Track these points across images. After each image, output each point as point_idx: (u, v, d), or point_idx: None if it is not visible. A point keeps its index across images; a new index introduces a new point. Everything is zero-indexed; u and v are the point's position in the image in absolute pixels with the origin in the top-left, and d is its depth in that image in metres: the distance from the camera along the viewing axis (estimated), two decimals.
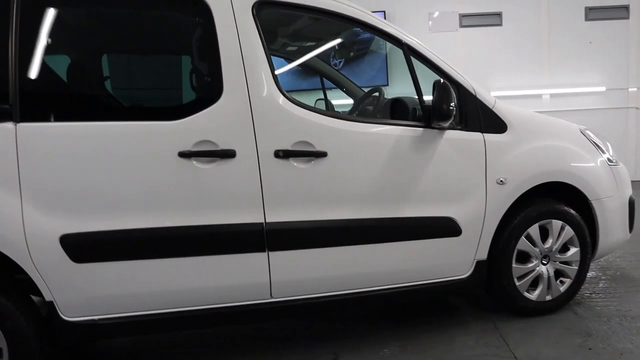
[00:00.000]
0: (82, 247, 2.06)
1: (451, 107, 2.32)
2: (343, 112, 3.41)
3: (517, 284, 2.71)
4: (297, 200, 2.27)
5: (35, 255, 2.00)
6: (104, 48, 2.55)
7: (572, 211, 2.76)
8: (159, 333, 2.66)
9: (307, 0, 2.37)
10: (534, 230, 2.70)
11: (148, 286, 2.15)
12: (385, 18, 6.76)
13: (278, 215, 2.24)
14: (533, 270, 2.74)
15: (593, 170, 2.81)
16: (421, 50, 2.54)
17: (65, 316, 2.10)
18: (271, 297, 2.31)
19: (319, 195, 2.30)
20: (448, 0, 6.82)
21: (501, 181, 2.57)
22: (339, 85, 3.62)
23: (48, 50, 2.10)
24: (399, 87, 6.43)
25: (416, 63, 2.54)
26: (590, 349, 2.41)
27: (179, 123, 2.12)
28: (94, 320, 2.13)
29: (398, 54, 2.59)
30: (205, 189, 2.15)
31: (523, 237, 2.68)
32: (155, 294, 2.17)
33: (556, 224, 2.74)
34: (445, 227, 2.50)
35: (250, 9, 2.24)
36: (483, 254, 2.61)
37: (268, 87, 2.22)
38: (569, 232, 2.76)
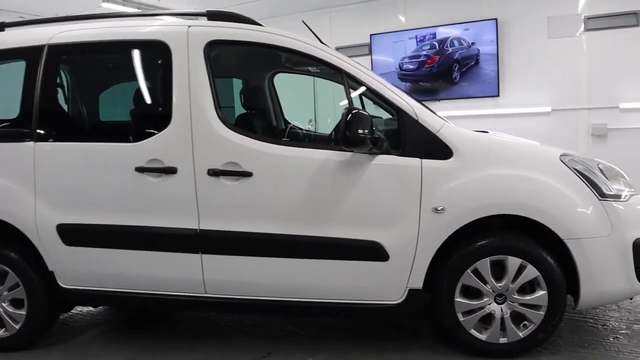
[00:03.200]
0: (70, 234, 2.75)
1: (361, 134, 2.35)
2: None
3: (462, 319, 2.55)
4: (226, 212, 2.61)
5: (42, 238, 2.77)
6: (95, 89, 3.34)
7: (540, 250, 2.46)
8: (126, 307, 3.36)
9: (252, 37, 2.69)
10: (483, 265, 2.50)
11: (116, 269, 2.75)
12: (497, 26, 6.30)
13: (210, 224, 2.62)
14: (482, 307, 2.53)
15: (568, 204, 2.45)
16: (360, 77, 2.59)
17: (62, 284, 2.83)
18: (205, 292, 2.70)
19: (246, 209, 2.60)
20: (571, 1, 5.99)
21: (438, 210, 2.46)
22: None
23: (56, 93, 2.94)
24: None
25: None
26: None
27: (138, 144, 2.68)
28: (80, 289, 2.83)
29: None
30: (154, 197, 2.66)
31: (469, 271, 2.51)
32: (121, 276, 2.76)
33: (513, 261, 2.48)
34: (371, 251, 2.52)
35: (202, 48, 2.65)
36: (417, 283, 2.53)
37: (208, 115, 2.61)
38: (531, 272, 2.47)
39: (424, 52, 6.86)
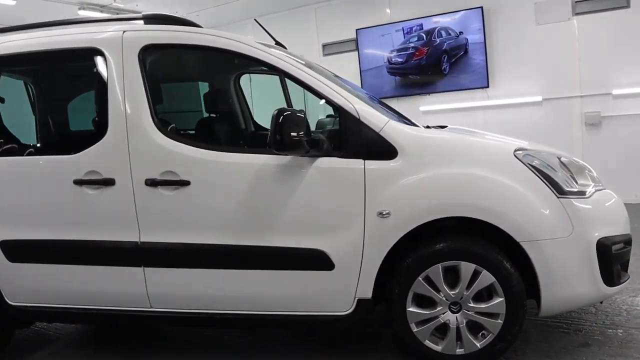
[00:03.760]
0: (13, 251, 2.66)
1: (295, 136, 2.21)
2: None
3: (415, 330, 2.39)
4: (166, 223, 2.50)
5: None
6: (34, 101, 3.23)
7: (495, 254, 2.29)
8: (72, 323, 3.24)
9: (187, 39, 2.57)
10: (434, 271, 2.34)
11: (61, 285, 2.65)
12: (482, 14, 6.08)
13: (151, 236, 2.50)
14: (436, 317, 2.37)
15: (522, 204, 2.27)
16: (297, 75, 2.44)
17: (10, 301, 2.74)
18: (151, 306, 2.59)
19: (185, 220, 2.48)
20: None
21: (384, 214, 2.31)
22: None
23: None
24: None
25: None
26: None
27: (75, 156, 2.57)
28: (27, 306, 2.74)
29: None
30: (94, 210, 2.55)
31: (420, 278, 2.35)
32: (66, 292, 2.66)
33: (467, 267, 2.31)
34: (315, 260, 2.37)
35: (137, 54, 2.54)
36: (366, 293, 2.38)
37: (144, 123, 2.50)
38: (486, 278, 2.30)
39: (412, 45, 6.67)
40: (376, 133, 2.35)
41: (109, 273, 2.58)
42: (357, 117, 2.37)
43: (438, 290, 2.35)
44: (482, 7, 6.09)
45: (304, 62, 2.62)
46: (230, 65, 3.38)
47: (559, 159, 2.50)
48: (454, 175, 2.30)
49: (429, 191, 2.30)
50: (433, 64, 6.54)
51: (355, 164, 2.34)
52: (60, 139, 3.00)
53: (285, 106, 2.44)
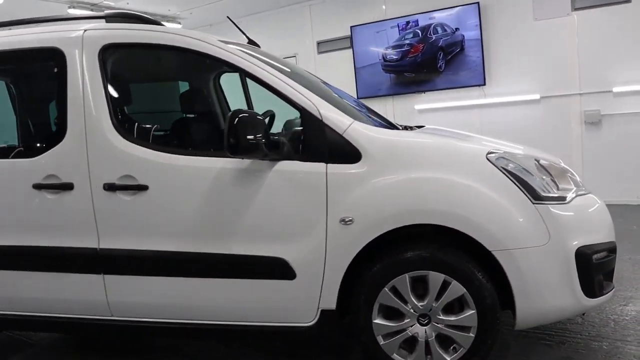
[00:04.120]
0: None
1: (252, 139, 2.09)
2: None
3: (382, 343, 2.26)
4: (125, 230, 2.41)
5: None
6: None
7: (466, 263, 2.15)
8: (33, 331, 3.14)
9: (148, 38, 2.47)
10: (401, 282, 2.20)
11: (20, 292, 2.57)
12: (479, 10, 5.89)
13: (110, 242, 2.41)
14: (403, 329, 2.24)
15: (494, 210, 2.12)
16: (258, 74, 2.32)
17: None
18: (112, 315, 2.49)
19: (144, 226, 2.39)
20: None
21: (346, 221, 2.18)
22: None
23: None
24: None
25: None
26: None
27: (34, 160, 2.48)
28: None
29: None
30: (53, 215, 2.46)
31: (386, 289, 2.22)
32: (26, 300, 2.58)
33: (435, 277, 2.18)
34: (276, 269, 2.26)
35: (97, 54, 2.44)
36: (330, 303, 2.25)
37: (103, 125, 2.41)
38: (457, 289, 2.16)
39: (407, 41, 6.50)
40: (339, 135, 2.22)
41: (69, 280, 2.49)
42: (320, 118, 2.24)
43: (405, 302, 2.22)
44: (478, 3, 5.90)
45: (275, 62, 2.49)
46: (198, 65, 3.25)
47: (538, 162, 2.35)
48: (421, 180, 2.16)
49: (393, 197, 2.16)
50: (429, 61, 6.38)
51: (317, 168, 2.22)
52: (24, 141, 2.91)
53: (246, 106, 2.31)
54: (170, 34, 2.45)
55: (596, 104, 5.53)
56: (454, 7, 6.08)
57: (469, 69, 6.12)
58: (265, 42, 7.72)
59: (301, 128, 2.29)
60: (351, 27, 6.82)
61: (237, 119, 2.10)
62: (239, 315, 2.38)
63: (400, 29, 6.53)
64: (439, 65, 6.31)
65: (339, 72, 7.05)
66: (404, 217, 2.15)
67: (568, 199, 2.23)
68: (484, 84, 6.05)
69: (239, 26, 3.20)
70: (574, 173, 2.48)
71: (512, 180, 2.15)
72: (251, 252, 2.28)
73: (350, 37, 6.88)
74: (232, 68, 2.38)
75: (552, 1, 5.57)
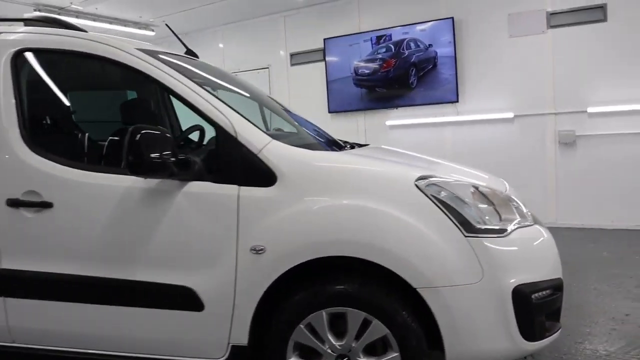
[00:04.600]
0: None
1: (156, 158, 1.90)
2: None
3: None
4: (28, 249, 2.23)
5: None
6: None
7: (389, 301, 1.93)
8: None
9: (63, 44, 2.29)
10: (317, 319, 1.98)
11: None
12: (453, 25, 5.75)
13: (12, 262, 2.23)
14: None
15: (420, 243, 1.91)
16: (172, 86, 2.12)
17: None
18: (13, 341, 2.30)
19: (47, 246, 2.21)
20: None
21: (257, 250, 1.96)
22: None
23: None
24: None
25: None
26: None
27: None
28: None
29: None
30: None
31: (302, 325, 2.00)
32: None
33: (354, 315, 1.95)
34: (183, 299, 2.05)
35: (10, 59, 2.28)
36: (241, 338, 2.03)
37: (10, 136, 2.23)
38: (378, 328, 1.94)
39: (380, 56, 6.35)
40: (254, 155, 2.01)
41: None
42: (234, 135, 2.03)
43: (322, 341, 1.99)
44: (452, 18, 5.77)
45: (209, 75, 2.31)
46: (120, 74, 3.04)
47: (477, 188, 2.14)
48: (338, 208, 1.95)
49: (307, 225, 1.95)
50: (401, 76, 6.21)
51: (229, 190, 2.01)
52: None
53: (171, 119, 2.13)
54: (82, 39, 2.27)
55: (571, 124, 5.37)
56: (428, 21, 5.94)
57: (442, 86, 5.96)
58: (240, 53, 7.62)
59: (215, 146, 2.08)
60: (324, 39, 6.66)
61: (139, 135, 1.90)
62: (148, 347, 2.17)
63: (373, 42, 6.38)
64: (410, 81, 6.15)
65: (311, 85, 6.90)
66: (318, 248, 1.94)
67: (507, 232, 2.02)
68: (457, 101, 5.88)
69: (177, 35, 3.02)
70: (518, 202, 2.27)
71: (442, 210, 1.94)
72: (157, 279, 2.08)
73: (323, 50, 6.72)
74: (147, 79, 2.17)
75: (527, 18, 5.43)
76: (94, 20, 6.61)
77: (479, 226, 1.96)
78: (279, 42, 7.19)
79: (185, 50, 2.92)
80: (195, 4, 6.42)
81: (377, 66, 6.34)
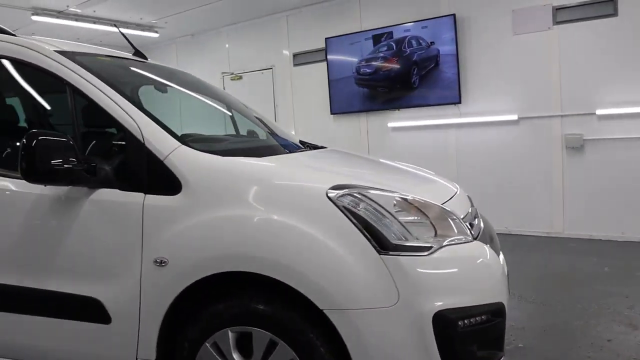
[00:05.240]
0: None
1: (57, 164, 1.83)
2: None
3: None
4: None
5: None
6: None
7: (297, 323, 1.78)
8: None
9: None
10: (222, 337, 1.86)
11: None
12: (455, 22, 5.49)
13: None
14: None
15: (327, 260, 1.75)
16: (79, 86, 2.04)
17: None
18: None
19: None
20: None
21: (160, 262, 1.85)
22: None
23: None
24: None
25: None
26: None
27: None
28: None
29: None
30: None
31: (207, 344, 1.88)
32: None
33: (260, 335, 1.82)
34: (91, 310, 1.97)
35: None
36: (149, 354, 1.93)
37: None
38: (284, 351, 1.80)
39: (381, 55, 6.13)
40: (160, 161, 1.91)
41: None
42: (142, 140, 1.93)
43: None
44: (454, 15, 5.49)
45: (151, 74, 2.24)
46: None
47: (405, 200, 1.95)
48: (241, 219, 1.81)
49: (207, 238, 1.82)
50: (402, 76, 5.98)
51: (134, 198, 1.91)
52: None
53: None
54: (5, 42, 2.21)
55: (578, 128, 5.01)
56: (429, 19, 5.68)
57: (444, 86, 5.70)
58: (244, 53, 7.54)
59: (124, 151, 1.99)
60: (326, 38, 6.51)
61: (34, 141, 1.82)
62: (60, 358, 2.10)
63: (374, 41, 6.17)
64: (412, 81, 5.91)
65: (313, 85, 6.76)
66: (219, 262, 1.81)
67: (431, 250, 1.82)
68: (460, 102, 5.61)
69: (126, 36, 2.95)
70: (456, 215, 2.06)
71: (354, 224, 1.77)
72: (67, 289, 2.01)
73: (325, 49, 6.56)
74: (56, 79, 2.10)
75: (532, 14, 5.11)
76: (94, 22, 6.67)
77: (396, 242, 1.77)
78: (282, 42, 7.09)
79: (133, 51, 2.85)
80: (194, 4, 6.38)
81: (378, 65, 6.13)
